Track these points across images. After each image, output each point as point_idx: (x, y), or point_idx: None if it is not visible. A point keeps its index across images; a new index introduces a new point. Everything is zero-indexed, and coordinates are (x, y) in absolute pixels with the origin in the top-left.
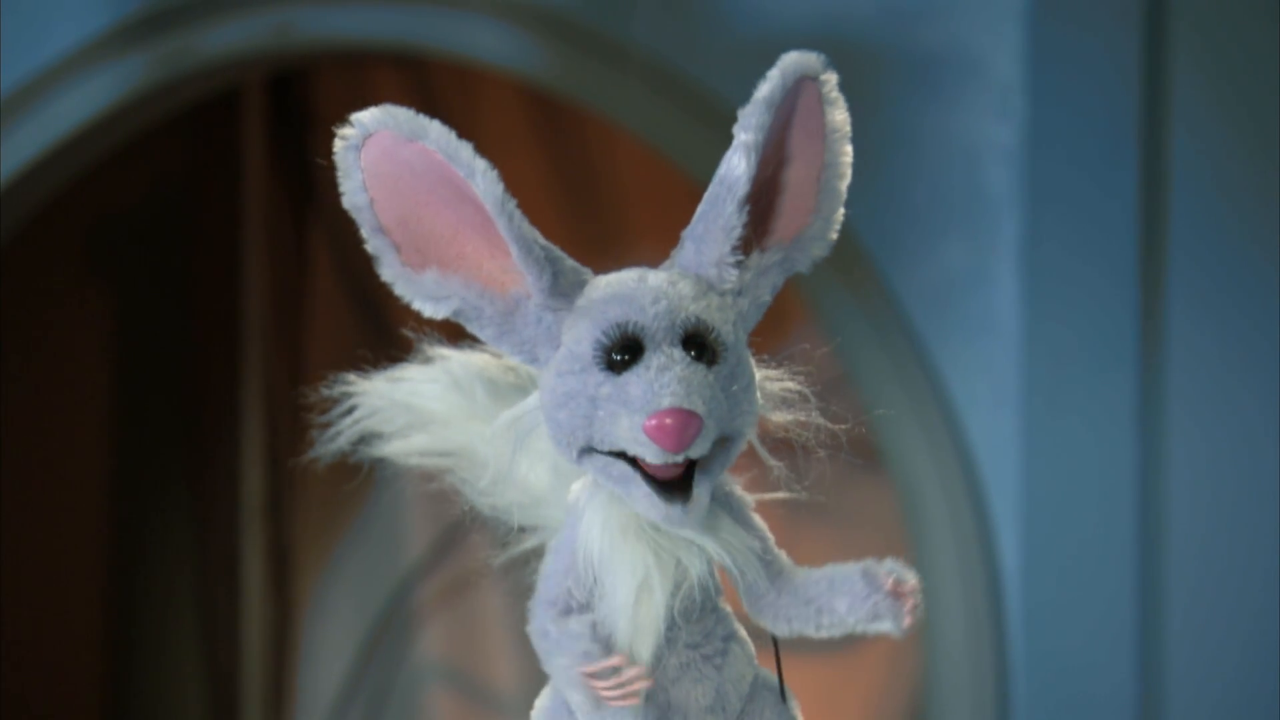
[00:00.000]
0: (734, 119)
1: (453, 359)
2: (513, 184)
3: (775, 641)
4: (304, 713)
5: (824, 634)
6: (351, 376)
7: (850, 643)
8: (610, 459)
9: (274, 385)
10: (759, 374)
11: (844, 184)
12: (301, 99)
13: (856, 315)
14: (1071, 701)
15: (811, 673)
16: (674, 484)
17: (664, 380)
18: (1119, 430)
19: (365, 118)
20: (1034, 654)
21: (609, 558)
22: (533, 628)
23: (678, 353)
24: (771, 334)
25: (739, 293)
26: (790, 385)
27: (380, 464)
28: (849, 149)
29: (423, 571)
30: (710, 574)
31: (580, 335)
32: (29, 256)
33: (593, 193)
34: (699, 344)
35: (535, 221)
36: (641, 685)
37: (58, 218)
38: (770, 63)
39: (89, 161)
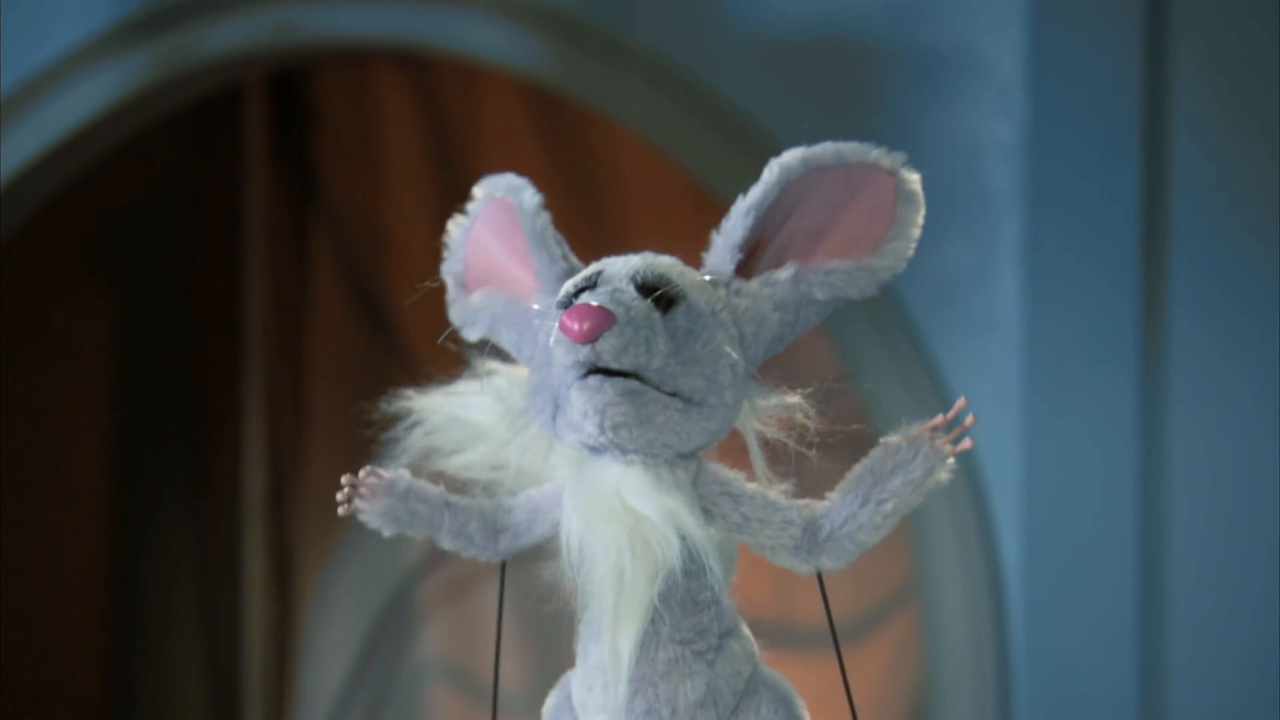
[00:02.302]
0: (735, 117)
1: (500, 373)
2: None
3: (820, 580)
4: (305, 710)
5: (889, 526)
6: (410, 392)
7: (850, 642)
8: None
9: (275, 383)
10: (769, 399)
11: (903, 261)
12: (303, 97)
13: (858, 313)
14: (1073, 699)
15: (812, 671)
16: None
17: (597, 296)
18: (1120, 429)
19: (474, 204)
20: (1035, 652)
21: (587, 542)
22: None
23: (626, 287)
24: None
25: (737, 292)
26: (788, 399)
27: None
28: (916, 234)
29: (424, 569)
30: (702, 567)
31: (557, 299)
32: (30, 255)
33: (594, 191)
34: (654, 292)
35: None
36: (343, 496)
37: (59, 216)
38: (772, 62)
39: (90, 160)
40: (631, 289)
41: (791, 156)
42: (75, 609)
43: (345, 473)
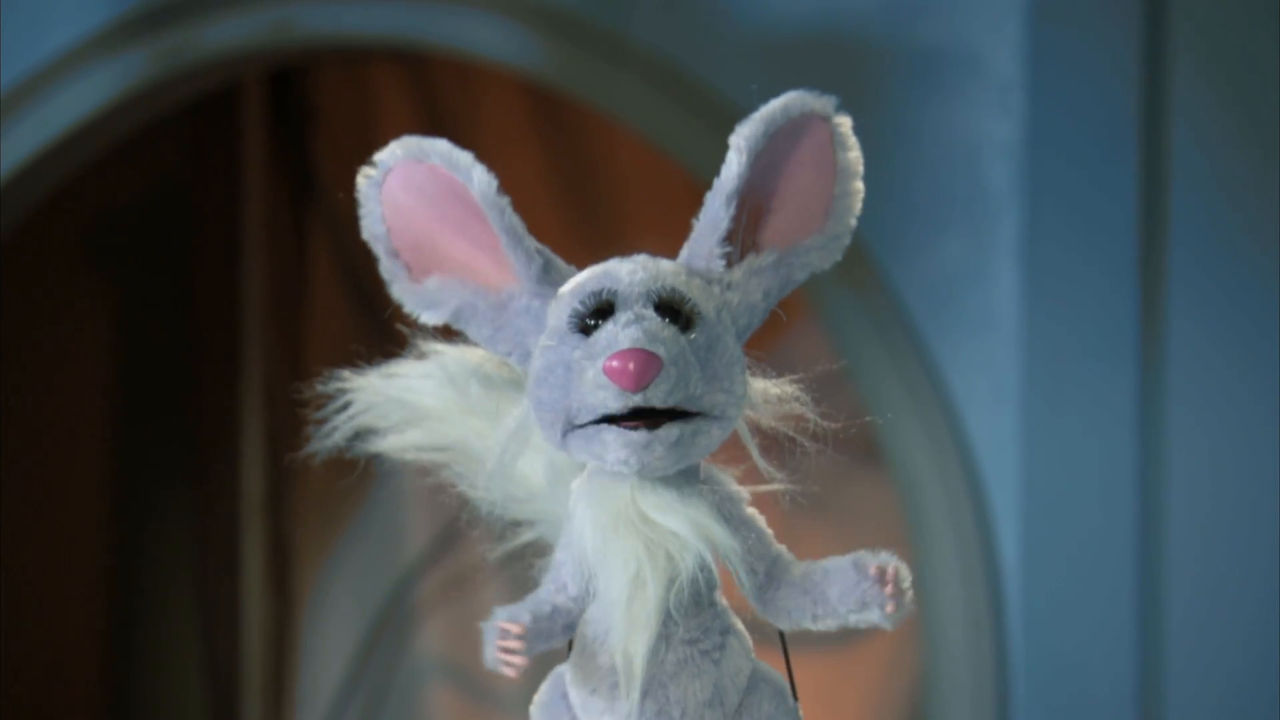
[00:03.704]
0: (734, 115)
1: (447, 354)
2: (512, 180)
3: (782, 637)
4: (304, 708)
5: (820, 626)
6: (346, 373)
7: (850, 639)
8: (588, 428)
9: (273, 381)
10: (760, 383)
11: (853, 218)
12: (301, 95)
13: (856, 311)
14: (1071, 697)
15: (811, 669)
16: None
17: (629, 330)
18: (1118, 426)
19: (384, 155)
20: (1033, 650)
21: (601, 552)
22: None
23: (648, 312)
24: (772, 328)
25: (727, 286)
26: (786, 389)
27: (379, 459)
28: (860, 186)
29: (422, 567)
30: (706, 569)
31: (561, 310)
32: (28, 253)
33: (593, 188)
34: (673, 310)
35: (534, 217)
36: (518, 660)
37: (57, 214)
38: (771, 60)
39: (88, 158)
40: (652, 312)
41: (753, 130)
42: (74, 607)
43: (487, 623)
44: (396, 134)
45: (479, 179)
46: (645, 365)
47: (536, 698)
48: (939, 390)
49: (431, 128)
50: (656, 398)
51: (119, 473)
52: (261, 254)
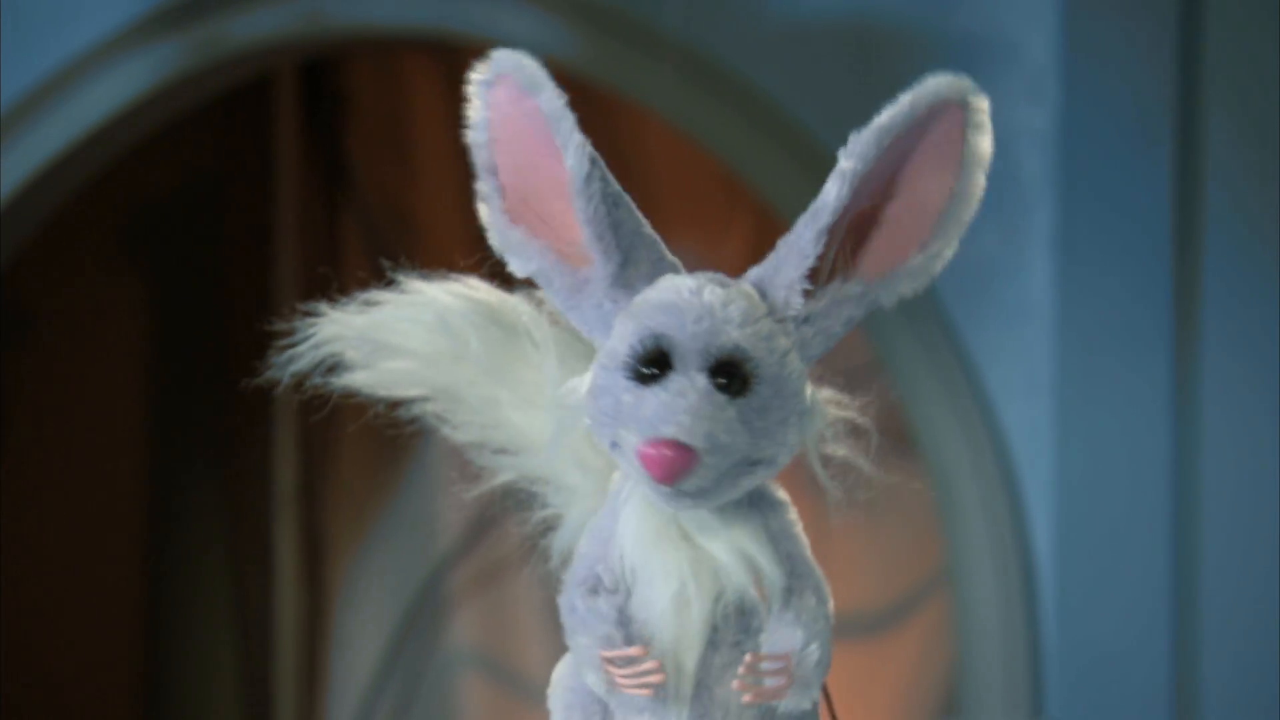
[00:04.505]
0: (765, 104)
1: (437, 297)
2: None
3: (825, 690)
4: (336, 699)
5: None
6: (321, 305)
7: (881, 628)
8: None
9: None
10: (826, 399)
11: (969, 216)
12: (333, 86)
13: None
14: (1105, 687)
15: (843, 659)
16: None
17: (675, 406)
18: (1153, 416)
19: (501, 56)
20: (1067, 640)
21: (645, 566)
22: (562, 601)
23: (701, 379)
24: None
25: (804, 320)
26: (853, 418)
27: (416, 429)
28: (983, 180)
29: (455, 558)
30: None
31: (624, 334)
32: (61, 246)
33: (623, 179)
34: (729, 372)
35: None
36: (656, 679)
37: (90, 207)
38: (802, 48)
39: (121, 150)
40: (705, 380)
41: (865, 148)
42: (107, 598)
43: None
44: (428, 124)
45: (574, 156)
46: (678, 462)
47: (557, 677)
48: (973, 380)
49: (463, 119)
50: (688, 488)
51: (152, 463)
52: (294, 245)
